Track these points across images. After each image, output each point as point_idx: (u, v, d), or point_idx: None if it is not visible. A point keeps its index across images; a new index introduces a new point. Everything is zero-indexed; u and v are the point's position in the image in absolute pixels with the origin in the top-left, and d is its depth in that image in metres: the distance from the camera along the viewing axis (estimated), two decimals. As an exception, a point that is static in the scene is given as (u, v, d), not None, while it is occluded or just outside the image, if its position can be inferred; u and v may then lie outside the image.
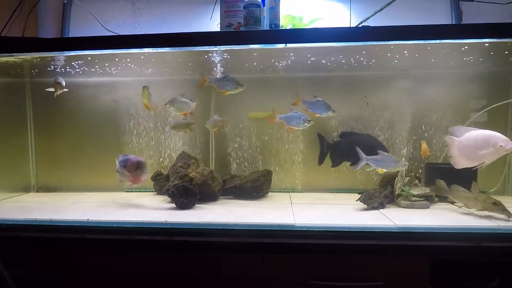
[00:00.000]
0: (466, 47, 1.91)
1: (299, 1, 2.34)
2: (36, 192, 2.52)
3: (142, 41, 1.79)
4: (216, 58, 2.20)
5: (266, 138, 2.41)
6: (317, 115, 2.06)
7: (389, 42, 1.79)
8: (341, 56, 2.19)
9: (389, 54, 2.11)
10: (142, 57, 2.26)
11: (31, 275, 1.65)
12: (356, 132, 2.30)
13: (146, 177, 1.98)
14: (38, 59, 2.19)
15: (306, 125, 2.06)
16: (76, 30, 2.49)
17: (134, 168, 1.93)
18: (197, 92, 2.38)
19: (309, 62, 2.23)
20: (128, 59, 2.26)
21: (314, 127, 2.16)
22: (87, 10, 2.39)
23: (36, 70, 2.39)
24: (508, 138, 1.69)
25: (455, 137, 1.81)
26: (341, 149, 2.17)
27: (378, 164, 1.89)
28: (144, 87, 2.18)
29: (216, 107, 2.41)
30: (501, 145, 1.68)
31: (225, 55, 2.15)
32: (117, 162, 2.02)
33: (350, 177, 2.35)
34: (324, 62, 2.23)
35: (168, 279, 1.62)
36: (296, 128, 2.09)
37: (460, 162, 1.80)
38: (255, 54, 2.15)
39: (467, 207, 1.84)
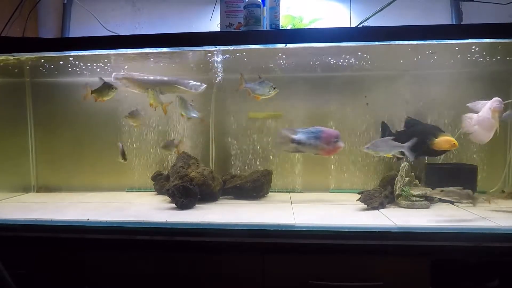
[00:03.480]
0: (467, 47, 1.92)
1: (299, 1, 2.34)
2: (36, 192, 2.51)
3: (142, 41, 1.79)
4: (216, 58, 2.20)
5: (266, 138, 2.40)
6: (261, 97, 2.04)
7: (389, 42, 1.79)
8: (343, 56, 2.19)
9: (389, 54, 2.12)
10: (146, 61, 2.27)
11: (31, 275, 1.65)
12: (421, 121, 2.16)
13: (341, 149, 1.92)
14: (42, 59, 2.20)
15: (271, 93, 2.02)
16: (76, 30, 2.49)
17: (333, 139, 1.88)
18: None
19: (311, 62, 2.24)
20: (128, 59, 2.27)
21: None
22: (87, 10, 2.39)
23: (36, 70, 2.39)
24: (497, 99, 1.75)
25: (473, 114, 1.84)
26: (405, 140, 2.02)
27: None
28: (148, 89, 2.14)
29: (216, 107, 2.41)
30: (490, 108, 1.75)
31: (226, 56, 2.15)
32: (288, 135, 1.92)
33: (350, 177, 2.35)
34: (326, 62, 2.24)
35: (168, 279, 1.62)
36: (262, 96, 2.04)
37: (485, 136, 1.82)
38: (256, 54, 2.15)
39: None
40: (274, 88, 2.02)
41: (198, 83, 2.07)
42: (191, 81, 2.08)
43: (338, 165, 2.35)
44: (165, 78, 2.08)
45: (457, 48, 1.99)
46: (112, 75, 2.08)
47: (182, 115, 2.11)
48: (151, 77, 2.07)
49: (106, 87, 2.06)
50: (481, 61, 2.11)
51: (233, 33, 1.81)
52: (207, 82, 2.37)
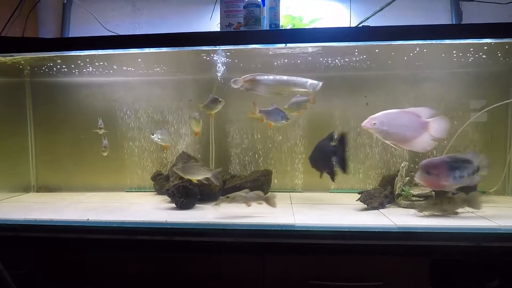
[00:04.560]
0: (467, 47, 1.92)
1: (299, 1, 2.34)
2: (36, 192, 2.51)
3: (142, 41, 1.79)
4: (215, 58, 2.20)
5: (266, 138, 2.40)
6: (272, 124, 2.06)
7: (389, 42, 1.79)
8: (341, 56, 2.19)
9: (389, 54, 2.12)
10: (140, 59, 2.27)
11: (31, 275, 1.65)
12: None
13: None
14: (39, 59, 2.20)
15: (283, 122, 2.02)
16: (76, 30, 2.49)
17: None
18: (197, 92, 2.40)
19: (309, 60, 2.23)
20: (128, 59, 2.27)
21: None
22: (87, 10, 2.39)
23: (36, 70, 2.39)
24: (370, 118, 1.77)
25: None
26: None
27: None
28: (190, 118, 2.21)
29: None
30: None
31: (226, 55, 2.15)
32: None
33: (349, 177, 2.35)
34: (325, 61, 2.23)
35: (168, 279, 1.63)
36: (274, 124, 2.05)
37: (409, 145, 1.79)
38: (255, 53, 2.15)
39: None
40: (287, 119, 2.03)
41: (316, 82, 1.95)
42: (309, 80, 1.95)
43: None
44: (284, 78, 1.95)
45: (457, 50, 2.00)
46: (232, 80, 1.97)
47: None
48: (271, 77, 1.94)
49: (214, 100, 2.08)
50: (481, 61, 2.11)
51: (232, 33, 1.81)
52: (208, 81, 2.38)
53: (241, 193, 1.80)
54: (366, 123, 1.77)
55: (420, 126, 1.74)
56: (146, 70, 2.39)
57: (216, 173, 1.96)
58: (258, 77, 1.93)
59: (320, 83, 1.94)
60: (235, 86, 1.93)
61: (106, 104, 2.44)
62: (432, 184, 1.75)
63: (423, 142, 1.74)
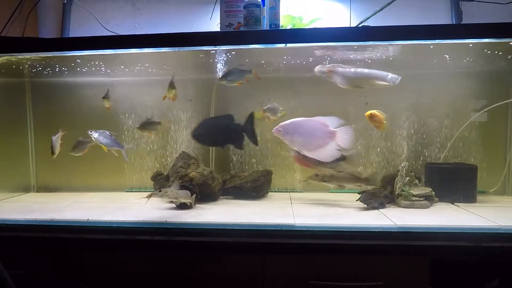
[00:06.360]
0: (468, 46, 1.92)
1: (299, 1, 2.34)
2: (36, 192, 2.52)
3: (142, 41, 1.79)
4: (215, 58, 2.20)
5: (266, 138, 2.40)
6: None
7: (389, 42, 1.79)
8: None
9: (388, 53, 2.12)
10: (139, 65, 2.27)
11: (31, 275, 1.65)
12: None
13: None
14: (41, 60, 2.20)
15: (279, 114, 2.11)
16: (76, 30, 2.49)
17: None
18: (197, 92, 2.40)
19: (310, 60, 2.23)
20: (128, 59, 2.27)
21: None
22: (87, 10, 2.39)
23: (37, 69, 2.39)
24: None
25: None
26: None
27: None
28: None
29: (216, 107, 2.40)
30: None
31: (226, 55, 2.15)
32: None
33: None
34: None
35: (168, 279, 1.62)
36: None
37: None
38: (257, 53, 2.15)
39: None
40: (282, 110, 2.11)
41: (396, 76, 1.89)
42: (389, 73, 1.90)
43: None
44: (366, 71, 1.91)
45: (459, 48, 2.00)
46: (316, 68, 1.93)
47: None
48: (352, 70, 1.91)
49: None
50: (480, 60, 2.11)
51: (232, 33, 1.81)
52: (208, 82, 2.37)
53: (173, 188, 1.83)
54: (274, 130, 1.87)
55: (327, 135, 1.81)
56: (147, 70, 2.39)
57: (127, 147, 2.16)
58: (340, 69, 1.90)
59: (400, 77, 1.88)
60: (318, 74, 1.92)
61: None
62: (303, 163, 1.97)
63: (329, 151, 1.82)
